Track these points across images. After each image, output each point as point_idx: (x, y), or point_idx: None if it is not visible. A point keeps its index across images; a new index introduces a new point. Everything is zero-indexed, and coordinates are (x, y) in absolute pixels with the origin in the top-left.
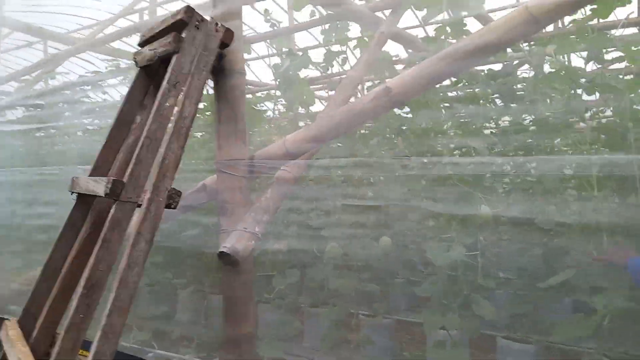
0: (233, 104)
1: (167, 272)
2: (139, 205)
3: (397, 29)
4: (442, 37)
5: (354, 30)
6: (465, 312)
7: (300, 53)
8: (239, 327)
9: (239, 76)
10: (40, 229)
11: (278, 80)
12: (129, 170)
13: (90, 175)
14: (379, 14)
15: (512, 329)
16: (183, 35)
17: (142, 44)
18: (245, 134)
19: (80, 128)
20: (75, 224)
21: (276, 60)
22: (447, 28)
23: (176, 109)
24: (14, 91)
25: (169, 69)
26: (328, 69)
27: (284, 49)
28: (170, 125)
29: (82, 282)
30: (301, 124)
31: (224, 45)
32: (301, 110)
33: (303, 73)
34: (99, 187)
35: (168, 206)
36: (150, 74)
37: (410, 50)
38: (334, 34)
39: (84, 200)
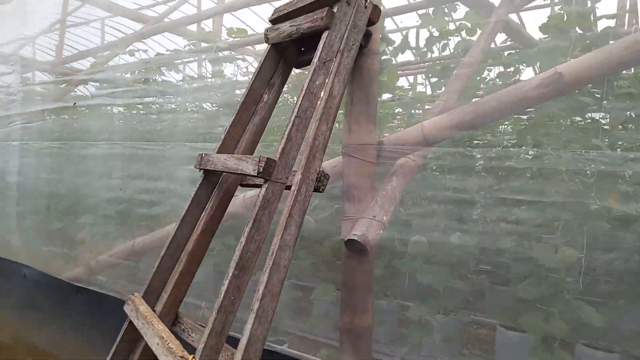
0: (366, 86)
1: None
2: (288, 187)
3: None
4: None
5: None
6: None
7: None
8: (359, 319)
9: (374, 56)
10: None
11: None
12: (279, 149)
13: (218, 152)
14: None
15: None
16: (334, 10)
17: (275, 20)
18: (376, 117)
19: (180, 107)
20: (201, 201)
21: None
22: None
23: (326, 87)
24: (89, 67)
25: (320, 46)
26: (427, 54)
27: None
28: (319, 104)
29: (232, 263)
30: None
31: (370, 22)
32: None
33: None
34: (245, 165)
35: (316, 189)
36: (280, 52)
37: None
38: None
39: (210, 178)
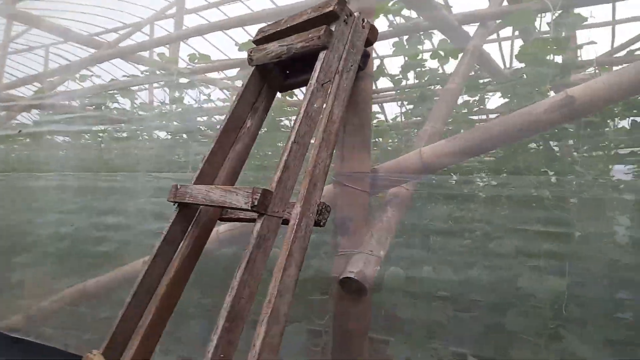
0: (361, 110)
1: None
2: (284, 222)
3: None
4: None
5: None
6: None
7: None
8: None
9: (368, 79)
10: (95, 241)
11: None
12: (275, 179)
13: (195, 183)
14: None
15: None
16: (332, 29)
17: (259, 41)
18: (370, 144)
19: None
20: (175, 239)
21: None
22: None
23: (325, 111)
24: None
25: (317, 66)
26: (402, 82)
27: None
28: (319, 128)
29: (223, 312)
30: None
31: (368, 43)
32: None
33: None
34: (234, 197)
35: (317, 223)
36: (264, 75)
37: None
38: (406, 45)
39: (185, 212)
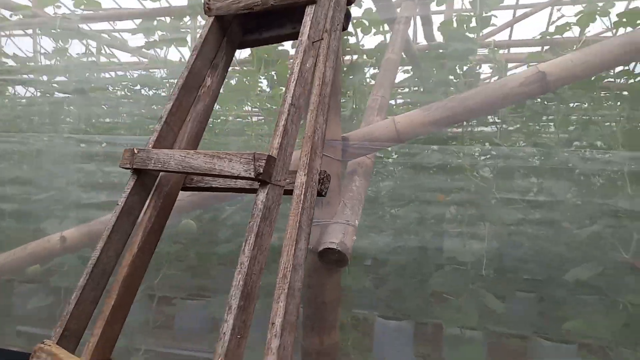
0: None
1: None
2: (287, 192)
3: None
4: None
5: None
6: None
7: None
8: (328, 337)
9: (339, 41)
10: None
11: None
12: (275, 144)
13: (153, 147)
14: None
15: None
16: None
17: None
18: (340, 111)
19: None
20: (132, 212)
21: None
22: None
23: (317, 72)
24: None
25: (307, 22)
26: None
27: None
28: (314, 91)
29: (235, 292)
30: None
31: (348, 2)
32: None
33: None
34: (227, 164)
35: (319, 193)
36: (223, 28)
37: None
38: None
39: (144, 181)
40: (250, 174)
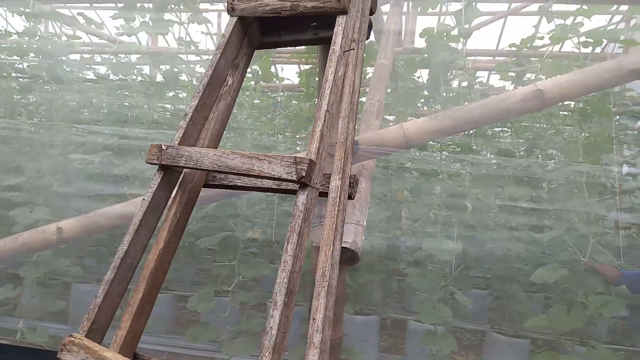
0: None
1: None
2: (322, 194)
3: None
4: None
5: None
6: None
7: None
8: (334, 332)
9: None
10: None
11: None
12: (312, 149)
13: (179, 144)
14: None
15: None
16: None
17: None
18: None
19: None
20: (158, 207)
21: None
22: None
23: (346, 81)
24: None
25: (339, 32)
26: None
27: None
28: (345, 98)
29: (279, 288)
30: None
31: (370, 12)
32: None
33: None
34: (267, 166)
35: (349, 196)
36: (245, 29)
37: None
38: None
39: (169, 176)
40: (292, 176)
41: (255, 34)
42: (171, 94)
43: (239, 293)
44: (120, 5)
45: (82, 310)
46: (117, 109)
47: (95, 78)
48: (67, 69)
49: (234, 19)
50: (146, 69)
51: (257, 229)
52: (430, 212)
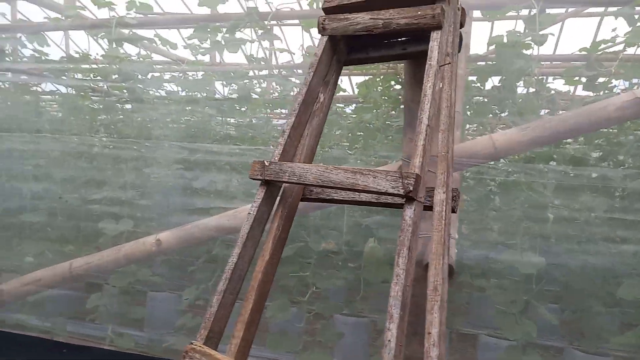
0: None
1: None
2: (427, 207)
3: None
4: None
5: None
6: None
7: None
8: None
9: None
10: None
11: None
12: (416, 163)
13: (280, 160)
14: None
15: None
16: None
17: (331, 10)
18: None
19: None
20: (262, 220)
21: None
22: None
23: (443, 94)
24: None
25: (434, 46)
26: None
27: None
28: (443, 112)
29: (394, 302)
30: None
31: (460, 25)
32: None
33: None
34: (371, 180)
35: (452, 210)
36: (334, 47)
37: None
38: None
39: (271, 190)
40: (399, 190)
41: (343, 50)
42: (243, 109)
43: (314, 303)
44: (194, 25)
45: (157, 318)
46: (193, 124)
47: (165, 95)
48: (145, 89)
49: (325, 38)
50: (217, 86)
51: (330, 240)
52: (509, 223)
